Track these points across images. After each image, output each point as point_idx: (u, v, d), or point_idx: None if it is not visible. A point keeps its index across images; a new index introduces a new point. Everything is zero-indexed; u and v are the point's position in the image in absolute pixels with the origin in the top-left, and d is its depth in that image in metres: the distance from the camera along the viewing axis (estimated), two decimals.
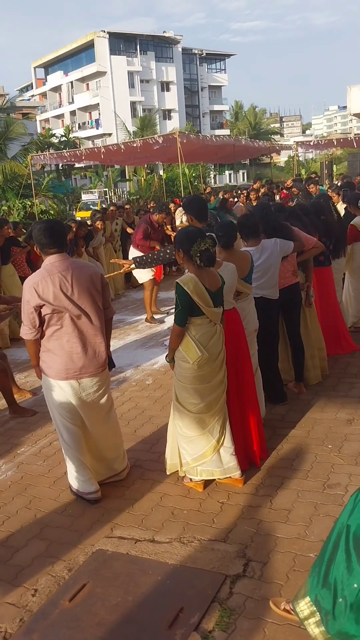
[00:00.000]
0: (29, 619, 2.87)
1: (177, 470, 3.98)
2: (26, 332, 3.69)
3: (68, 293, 3.59)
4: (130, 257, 8.74)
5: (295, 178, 15.04)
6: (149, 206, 12.07)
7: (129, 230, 11.44)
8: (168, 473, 4.03)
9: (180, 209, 11.75)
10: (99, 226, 10.38)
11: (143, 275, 8.59)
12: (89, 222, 10.37)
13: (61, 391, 3.75)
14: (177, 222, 11.74)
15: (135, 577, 3.08)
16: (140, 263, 4.92)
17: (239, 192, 15.72)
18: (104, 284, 3.81)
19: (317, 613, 2.38)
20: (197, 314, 3.58)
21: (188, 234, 3.62)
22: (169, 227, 9.73)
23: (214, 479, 3.87)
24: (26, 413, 5.49)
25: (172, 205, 12.76)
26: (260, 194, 14.63)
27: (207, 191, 17.49)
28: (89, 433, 3.87)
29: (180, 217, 11.23)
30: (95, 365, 3.75)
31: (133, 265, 5.02)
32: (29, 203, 22.08)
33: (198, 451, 3.75)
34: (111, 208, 12.04)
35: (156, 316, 8.76)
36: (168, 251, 4.68)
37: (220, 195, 14.67)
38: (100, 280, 3.77)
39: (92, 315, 3.70)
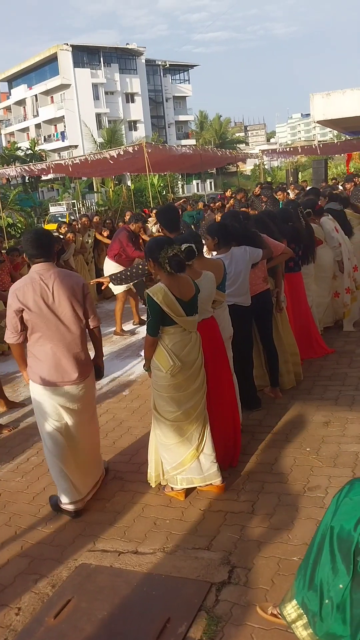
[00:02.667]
0: (13, 639, 2.82)
1: (160, 480, 3.97)
2: (9, 336, 3.74)
3: (48, 301, 3.65)
4: (105, 268, 8.75)
5: (264, 185, 15.20)
6: (125, 218, 12.08)
7: (105, 240, 11.39)
8: (153, 485, 4.01)
9: (151, 219, 11.80)
10: (70, 238, 10.35)
11: (117, 287, 8.57)
12: (60, 236, 10.32)
13: (45, 397, 3.76)
14: (149, 232, 11.78)
15: (120, 590, 3.06)
16: (117, 280, 4.94)
17: (216, 201, 15.69)
18: (85, 294, 3.81)
19: (305, 615, 2.39)
20: (169, 323, 3.60)
21: (156, 242, 3.66)
22: (143, 236, 9.77)
23: (195, 487, 3.87)
24: (2, 429, 5.41)
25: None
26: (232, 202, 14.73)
27: (182, 201, 17.55)
28: (72, 440, 3.84)
29: (151, 227, 11.26)
30: (76, 373, 3.76)
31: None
32: None
33: (177, 459, 3.75)
34: (83, 219, 11.98)
35: (126, 328, 8.72)
36: (140, 266, 4.70)
37: (200, 206, 14.79)
38: (82, 290, 3.79)
39: (71, 324, 3.72)
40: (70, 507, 3.83)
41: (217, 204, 15.33)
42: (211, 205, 16.09)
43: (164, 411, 3.73)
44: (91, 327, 3.92)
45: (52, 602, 3.04)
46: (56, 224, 12.75)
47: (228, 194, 16.84)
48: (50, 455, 3.84)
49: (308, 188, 12.19)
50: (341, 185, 14.50)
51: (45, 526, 3.77)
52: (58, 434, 3.79)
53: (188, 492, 3.87)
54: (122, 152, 15.85)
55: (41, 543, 3.58)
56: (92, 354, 3.99)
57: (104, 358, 4.17)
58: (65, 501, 3.84)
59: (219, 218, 8.15)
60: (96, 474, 4.08)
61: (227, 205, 14.28)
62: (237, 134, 67.92)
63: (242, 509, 3.66)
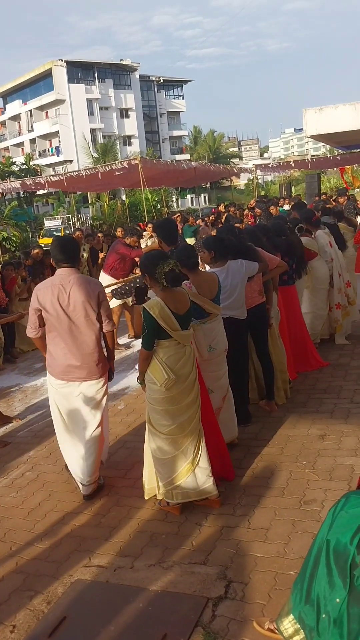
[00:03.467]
0: None
1: (156, 494, 3.96)
2: (29, 330, 4.15)
3: (63, 304, 3.94)
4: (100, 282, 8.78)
5: (259, 199, 15.29)
6: (117, 233, 12.17)
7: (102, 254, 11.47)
8: (146, 497, 4.01)
9: (146, 232, 11.85)
10: None
11: (112, 301, 8.58)
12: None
13: (57, 387, 4.14)
14: (143, 245, 11.84)
15: (116, 606, 3.04)
16: (118, 295, 5.00)
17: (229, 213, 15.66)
18: (101, 301, 4.06)
19: (302, 630, 2.38)
20: (164, 337, 3.62)
21: (152, 257, 3.70)
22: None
23: (191, 502, 3.85)
24: None
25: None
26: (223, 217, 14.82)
27: (177, 217, 17.65)
28: (74, 430, 4.16)
29: (146, 241, 11.30)
30: (87, 372, 4.06)
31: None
32: None
33: (172, 473, 3.75)
34: (77, 233, 12.03)
35: (121, 341, 8.71)
36: (138, 280, 4.76)
37: (191, 221, 14.83)
38: (97, 297, 4.03)
39: (84, 327, 4.00)
40: (77, 478, 4.22)
41: (211, 217, 15.40)
42: (205, 219, 16.17)
43: (159, 425, 3.73)
44: (105, 331, 4.15)
45: (47, 619, 3.01)
46: (51, 238, 12.78)
47: (221, 208, 16.93)
48: (60, 435, 4.26)
49: (293, 203, 12.27)
50: (333, 200, 14.61)
51: (41, 542, 3.74)
52: (62, 419, 4.17)
53: (184, 506, 3.85)
54: (118, 166, 15.93)
55: (36, 559, 3.56)
56: None
57: None
58: (72, 470, 4.26)
59: (214, 232, 8.21)
60: (89, 470, 4.17)
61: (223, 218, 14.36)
62: (230, 149, 68.38)
63: (238, 523, 3.65)
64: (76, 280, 3.98)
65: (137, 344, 8.51)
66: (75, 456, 4.18)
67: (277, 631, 2.53)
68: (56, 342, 4.05)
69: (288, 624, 2.44)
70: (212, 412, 4.22)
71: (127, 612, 2.98)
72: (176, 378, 3.65)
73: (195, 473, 3.76)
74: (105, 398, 4.22)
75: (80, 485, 4.22)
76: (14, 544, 3.75)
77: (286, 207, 14.14)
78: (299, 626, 2.40)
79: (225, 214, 14.64)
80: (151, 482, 3.97)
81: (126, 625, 2.89)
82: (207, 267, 5.01)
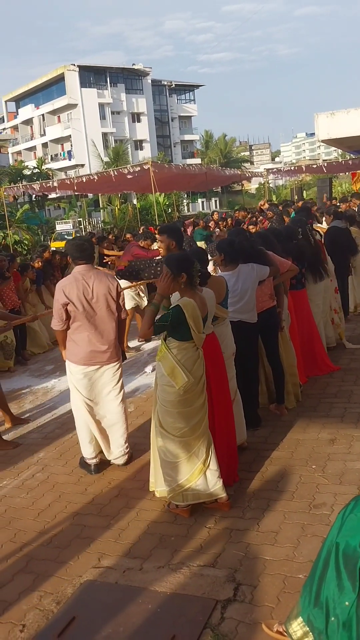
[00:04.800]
0: None
1: (164, 497, 3.96)
2: (55, 323, 4.50)
3: (88, 297, 4.42)
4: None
5: (271, 202, 15.27)
6: (128, 237, 12.23)
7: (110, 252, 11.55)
8: (158, 496, 4.02)
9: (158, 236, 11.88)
10: None
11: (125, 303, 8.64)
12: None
13: (78, 373, 4.53)
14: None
15: (125, 607, 3.05)
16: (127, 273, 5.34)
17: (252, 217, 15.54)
18: (118, 293, 4.58)
19: (310, 633, 2.38)
20: (185, 338, 3.63)
21: (188, 257, 3.83)
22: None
23: (200, 505, 3.86)
24: (7, 446, 5.42)
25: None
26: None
27: (191, 221, 17.69)
28: (97, 410, 4.61)
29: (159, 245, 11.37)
30: (108, 357, 4.55)
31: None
32: (2, 234, 22.06)
33: (184, 475, 3.75)
34: (92, 240, 12.12)
35: (131, 344, 8.72)
36: (159, 267, 4.93)
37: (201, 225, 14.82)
38: (116, 289, 4.55)
39: (106, 316, 4.50)
40: (90, 462, 4.65)
41: (229, 221, 15.37)
42: (220, 223, 16.17)
43: (172, 428, 3.74)
44: (121, 319, 4.64)
45: (56, 619, 3.03)
46: (63, 242, 12.86)
47: (242, 215, 16.77)
48: (79, 417, 4.65)
49: (298, 208, 12.23)
50: (340, 202, 14.57)
51: (51, 543, 3.76)
52: (84, 404, 4.57)
53: (193, 509, 3.86)
54: (128, 171, 16.01)
55: (46, 560, 3.57)
56: None
57: None
58: (86, 456, 4.68)
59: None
60: (120, 441, 4.67)
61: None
62: (242, 153, 68.40)
63: (247, 526, 3.65)
64: (96, 275, 4.50)
65: (147, 347, 8.54)
66: (102, 435, 4.62)
67: (286, 634, 2.53)
68: (80, 330, 4.46)
69: (297, 627, 2.44)
70: (232, 413, 4.23)
71: (136, 613, 2.99)
72: (193, 380, 3.68)
73: (206, 475, 3.76)
74: (122, 380, 4.71)
75: (113, 461, 4.69)
76: (24, 544, 3.77)
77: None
78: (307, 629, 2.39)
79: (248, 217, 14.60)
80: (157, 484, 4.00)
81: (135, 627, 2.90)
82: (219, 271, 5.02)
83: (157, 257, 7.58)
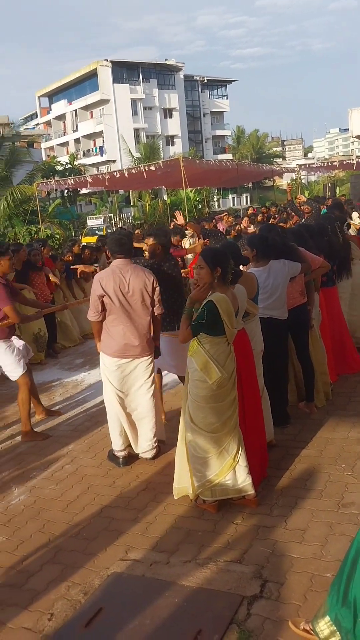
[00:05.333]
0: None
1: (187, 495, 3.96)
2: (91, 315, 4.58)
3: (124, 291, 4.45)
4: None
5: (309, 198, 15.08)
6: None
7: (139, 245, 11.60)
8: (176, 497, 4.01)
9: (188, 232, 11.88)
10: (105, 249, 10.49)
11: None
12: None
13: (112, 365, 4.58)
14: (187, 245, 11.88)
15: (151, 600, 3.06)
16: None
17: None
18: (154, 288, 4.58)
19: (338, 632, 2.36)
20: (218, 333, 3.63)
21: (224, 252, 3.86)
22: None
23: (228, 500, 3.86)
24: (38, 437, 5.49)
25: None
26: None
27: (223, 216, 17.62)
28: (128, 402, 4.65)
29: (188, 240, 11.34)
30: (140, 350, 4.58)
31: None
32: (35, 229, 22.31)
33: (214, 471, 3.75)
34: (137, 231, 12.18)
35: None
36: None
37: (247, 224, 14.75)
38: (152, 284, 4.56)
39: (140, 310, 4.54)
40: (119, 454, 4.69)
41: (259, 217, 15.28)
42: (252, 218, 16.07)
43: (204, 423, 3.74)
44: (155, 314, 4.67)
45: (84, 610, 3.06)
46: (94, 237, 12.93)
47: (273, 211, 16.64)
48: (110, 409, 4.69)
49: (330, 204, 12.05)
50: None
51: (79, 534, 3.80)
52: (116, 396, 4.61)
53: (220, 504, 3.86)
54: (159, 166, 16.03)
55: (74, 551, 3.61)
56: None
57: None
58: (115, 448, 4.71)
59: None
60: (149, 435, 4.70)
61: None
62: (274, 149, 67.86)
63: (274, 523, 3.63)
64: (133, 269, 4.52)
65: None
66: (132, 428, 4.67)
67: (312, 632, 2.52)
68: (115, 323, 4.51)
69: (324, 626, 2.43)
70: (261, 410, 4.22)
71: (162, 606, 3.00)
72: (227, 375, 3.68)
73: (236, 470, 3.76)
74: (153, 374, 4.73)
75: (141, 454, 4.74)
76: (53, 535, 3.82)
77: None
78: (335, 628, 2.38)
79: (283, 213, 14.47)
80: (181, 482, 3.97)
81: (161, 619, 2.91)
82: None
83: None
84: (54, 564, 3.50)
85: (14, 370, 5.45)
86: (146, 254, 5.26)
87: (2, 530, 3.94)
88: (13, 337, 5.59)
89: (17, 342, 5.59)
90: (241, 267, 4.40)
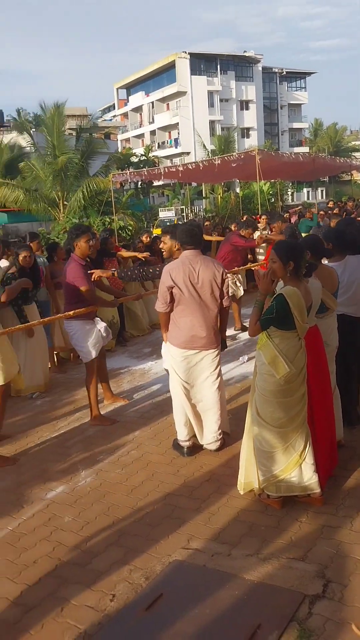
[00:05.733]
0: (106, 624, 2.91)
1: (252, 489, 3.94)
2: (159, 306, 4.60)
3: (193, 282, 4.44)
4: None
5: None
6: (232, 227, 12.27)
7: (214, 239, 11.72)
8: (242, 492, 3.99)
9: (260, 224, 11.80)
10: None
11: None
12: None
13: (179, 357, 4.59)
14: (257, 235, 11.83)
15: (212, 591, 3.07)
16: (126, 277, 5.69)
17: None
18: (223, 280, 4.55)
19: None
20: (289, 327, 3.58)
21: (299, 245, 3.82)
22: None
23: (292, 497, 3.80)
24: (105, 422, 5.60)
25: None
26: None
27: (299, 209, 17.41)
28: (194, 393, 4.65)
29: (260, 233, 11.25)
30: (209, 342, 4.56)
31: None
32: (108, 220, 22.68)
33: (280, 466, 3.71)
34: (206, 223, 12.28)
35: (228, 333, 8.70)
36: (151, 270, 5.34)
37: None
38: (221, 276, 4.53)
39: (209, 302, 4.52)
40: (183, 444, 4.72)
41: (335, 210, 15.00)
42: (329, 212, 15.81)
43: (271, 418, 3.70)
44: (223, 306, 4.65)
45: (145, 594, 3.10)
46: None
47: (350, 205, 16.26)
48: (175, 398, 4.73)
49: None
50: None
51: (142, 520, 3.85)
52: (182, 387, 4.63)
53: (284, 501, 3.81)
54: (234, 158, 15.90)
55: (137, 535, 3.67)
56: None
57: None
58: (180, 438, 4.74)
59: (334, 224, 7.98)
60: (214, 427, 4.68)
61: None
62: (352, 142, 65.88)
63: (340, 524, 3.55)
64: (203, 261, 4.51)
65: (243, 336, 8.50)
66: (196, 419, 4.67)
67: None
68: (183, 315, 4.52)
69: None
70: (332, 408, 4.14)
71: (223, 597, 3.00)
72: (295, 370, 3.63)
73: (302, 467, 3.70)
74: (220, 366, 4.69)
75: (206, 445, 4.73)
76: (117, 518, 3.89)
77: None
78: None
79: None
80: (248, 476, 3.94)
81: (221, 611, 2.91)
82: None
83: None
84: (117, 546, 3.57)
85: (88, 353, 5.57)
86: (165, 253, 5.16)
87: (69, 510, 4.04)
88: (96, 317, 5.73)
89: (100, 324, 5.71)
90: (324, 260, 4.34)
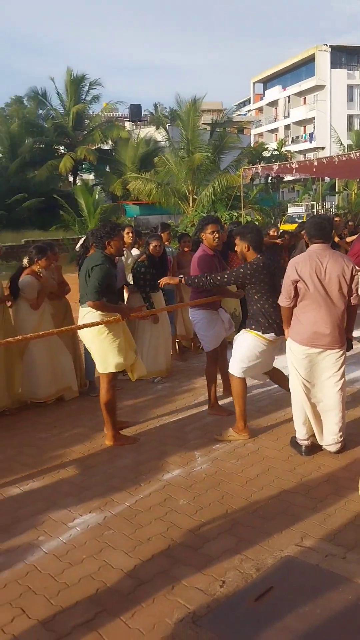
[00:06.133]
0: (215, 608, 2.94)
1: None
2: (283, 300, 4.51)
3: (320, 277, 4.30)
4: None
5: None
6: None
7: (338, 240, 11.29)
8: None
9: None
10: (304, 234, 10.32)
11: None
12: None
13: (299, 353, 4.47)
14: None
15: (323, 591, 2.99)
16: (192, 283, 5.19)
17: None
18: (353, 276, 4.35)
19: None
20: None
21: None
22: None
23: None
24: (222, 412, 5.64)
25: None
26: None
27: None
28: (315, 395, 4.52)
29: None
30: (332, 341, 4.40)
31: None
32: (236, 214, 22.71)
33: None
34: (336, 219, 11.98)
35: (355, 334, 8.37)
36: (219, 278, 4.97)
37: None
38: (350, 272, 4.34)
39: (336, 298, 4.34)
40: (302, 442, 4.64)
41: None
42: None
43: None
44: (352, 304, 4.46)
45: (254, 584, 3.09)
46: (294, 225, 12.83)
47: None
48: (295, 396, 4.61)
49: None
50: None
51: (255, 512, 3.84)
52: (302, 385, 4.51)
53: None
54: None
55: (250, 526, 3.66)
56: None
57: None
58: (298, 437, 4.66)
59: None
60: (334, 428, 4.54)
61: None
62: None
63: None
64: (331, 255, 4.35)
65: None
66: (316, 419, 4.55)
67: None
68: (306, 310, 4.39)
69: None
70: None
71: (335, 600, 2.92)
72: None
73: None
74: (344, 367, 4.51)
75: (325, 447, 4.62)
76: (230, 507, 3.91)
77: None
78: None
79: None
80: None
81: (333, 613, 2.84)
82: None
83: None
84: (230, 535, 3.58)
85: (210, 342, 5.65)
86: (238, 255, 5.00)
87: (184, 493, 4.12)
88: (220, 308, 5.79)
89: (224, 315, 5.77)
90: None
